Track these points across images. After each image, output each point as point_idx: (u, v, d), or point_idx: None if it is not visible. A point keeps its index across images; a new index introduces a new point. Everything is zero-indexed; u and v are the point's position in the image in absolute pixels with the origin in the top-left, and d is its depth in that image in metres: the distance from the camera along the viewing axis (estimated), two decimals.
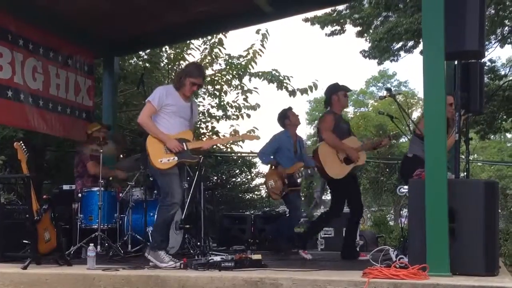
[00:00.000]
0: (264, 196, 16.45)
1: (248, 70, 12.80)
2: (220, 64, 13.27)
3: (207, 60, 12.99)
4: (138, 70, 12.13)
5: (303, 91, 12.34)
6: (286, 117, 8.85)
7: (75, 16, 8.78)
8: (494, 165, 27.43)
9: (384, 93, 7.90)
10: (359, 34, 16.90)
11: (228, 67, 13.12)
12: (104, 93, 10.19)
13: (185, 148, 6.46)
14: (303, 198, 12.71)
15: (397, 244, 9.00)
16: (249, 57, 12.78)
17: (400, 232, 8.17)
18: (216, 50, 12.97)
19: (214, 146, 13.10)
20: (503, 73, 16.77)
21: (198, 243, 7.86)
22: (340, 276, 4.89)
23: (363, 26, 16.63)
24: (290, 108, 8.99)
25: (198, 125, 12.44)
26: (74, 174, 8.53)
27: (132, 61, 12.93)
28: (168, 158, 6.37)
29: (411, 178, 5.67)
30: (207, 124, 13.31)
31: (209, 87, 12.99)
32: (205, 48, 13.02)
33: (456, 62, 5.89)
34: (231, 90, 13.27)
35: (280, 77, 12.51)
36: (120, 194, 8.16)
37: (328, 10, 16.27)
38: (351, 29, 17.14)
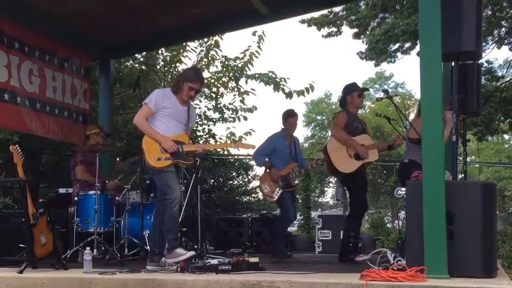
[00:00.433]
0: (261, 198, 16.43)
1: (245, 72, 12.80)
2: (216, 66, 13.28)
3: (203, 62, 12.99)
4: (134, 73, 12.11)
5: (300, 93, 12.34)
6: (286, 120, 8.90)
7: (70, 19, 8.76)
8: (492, 167, 27.41)
9: (381, 94, 7.90)
10: (356, 36, 16.91)
11: (224, 69, 13.10)
12: (100, 96, 10.16)
13: (181, 150, 6.48)
14: (300, 201, 12.65)
15: (394, 246, 8.98)
16: (245, 59, 12.78)
17: (398, 234, 8.16)
18: (212, 52, 12.97)
19: (211, 150, 13.11)
20: (500, 74, 16.76)
21: (195, 246, 7.83)
22: (338, 278, 4.87)
23: (360, 28, 16.64)
24: (292, 113, 8.98)
25: (194, 128, 12.42)
26: (71, 177, 8.51)
27: (128, 64, 12.90)
28: (163, 157, 6.39)
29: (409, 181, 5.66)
30: (203, 126, 13.30)
31: (206, 89, 12.96)
32: (202, 50, 13.03)
33: (453, 63, 5.88)
34: (227, 92, 13.26)
35: (277, 79, 12.52)
36: (117, 198, 8.15)
37: (324, 11, 16.28)
38: (348, 31, 17.22)
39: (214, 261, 5.82)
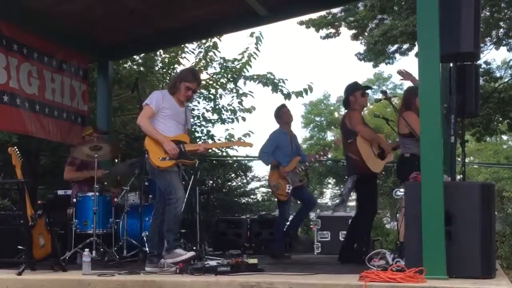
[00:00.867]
0: (260, 200, 16.45)
1: (243, 73, 12.81)
2: (214, 68, 13.28)
3: (201, 64, 12.99)
4: (132, 74, 12.12)
5: (298, 94, 12.34)
6: (278, 116, 8.93)
7: (69, 21, 8.75)
8: (490, 167, 27.42)
9: (379, 96, 7.89)
10: (354, 37, 16.92)
11: (223, 70, 13.11)
12: (99, 97, 10.16)
13: (183, 150, 6.50)
14: (299, 201, 12.63)
15: (393, 247, 8.98)
16: (243, 60, 12.78)
17: (397, 235, 8.15)
18: (210, 53, 12.98)
19: (210, 150, 13.12)
20: (498, 75, 16.77)
21: (194, 248, 7.82)
22: (337, 280, 4.88)
23: (358, 29, 16.66)
24: (283, 106, 9.10)
25: (193, 129, 12.42)
26: None
27: (127, 65, 12.91)
28: (167, 157, 6.42)
29: (407, 181, 5.66)
30: (202, 128, 13.30)
31: (204, 91, 12.97)
32: (200, 52, 13.04)
33: (451, 64, 5.89)
34: (226, 93, 13.27)
35: (275, 80, 12.54)
36: (115, 199, 8.15)
37: (323, 13, 16.29)
38: (346, 32, 17.18)
39: (213, 263, 5.83)
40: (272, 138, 8.83)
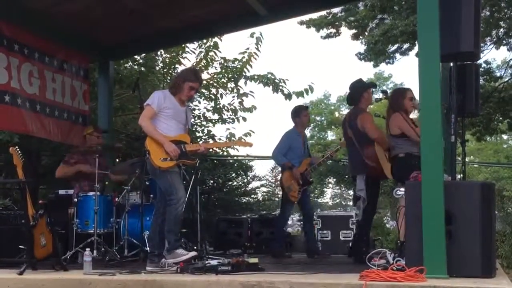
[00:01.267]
0: (260, 199, 16.46)
1: (244, 73, 12.80)
2: (215, 68, 13.28)
3: (202, 64, 12.99)
4: (133, 74, 12.11)
5: (299, 94, 12.34)
6: (298, 117, 8.97)
7: (70, 21, 8.75)
8: (491, 167, 27.47)
9: (380, 95, 7.90)
10: (355, 37, 16.93)
11: (223, 70, 13.11)
12: (100, 97, 10.15)
13: (184, 150, 6.51)
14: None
15: (394, 246, 8.98)
16: (244, 60, 12.78)
17: (397, 234, 8.17)
18: (211, 53, 12.97)
19: (210, 150, 13.13)
20: (498, 74, 16.79)
21: (195, 247, 7.83)
22: (337, 279, 4.89)
23: (358, 29, 16.68)
24: (305, 108, 9.25)
25: (194, 129, 12.42)
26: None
27: (128, 65, 12.90)
28: (168, 157, 6.43)
29: (408, 180, 5.66)
30: (203, 127, 13.30)
31: (204, 90, 12.97)
32: (201, 52, 13.02)
33: (451, 64, 5.90)
34: (226, 93, 13.27)
35: (276, 80, 12.53)
36: (116, 199, 8.15)
37: (323, 13, 16.30)
38: (346, 32, 17.21)
39: (214, 262, 5.84)
40: (285, 139, 8.87)
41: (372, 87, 8.04)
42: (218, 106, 13.24)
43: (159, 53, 13.03)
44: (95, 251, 7.16)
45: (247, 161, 15.60)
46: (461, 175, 6.47)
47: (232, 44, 13.49)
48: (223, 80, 13.15)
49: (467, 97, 5.92)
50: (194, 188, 8.00)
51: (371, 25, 16.52)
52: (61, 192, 8.39)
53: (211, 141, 12.92)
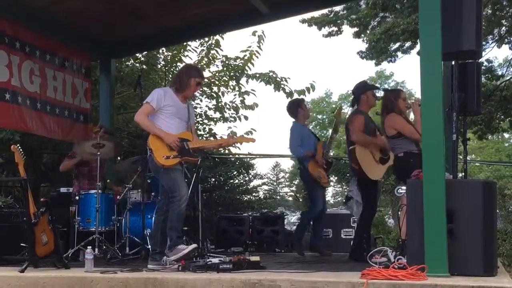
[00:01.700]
0: (262, 197, 16.45)
1: (245, 72, 12.80)
2: (217, 66, 13.28)
3: (204, 62, 12.99)
4: (135, 72, 12.11)
5: (301, 92, 12.34)
6: (299, 106, 8.97)
7: (71, 19, 8.76)
8: (492, 165, 27.37)
9: (381, 94, 7.89)
10: (356, 35, 16.90)
11: (225, 68, 13.11)
12: (101, 95, 10.16)
13: (186, 147, 6.50)
14: (301, 200, 12.68)
15: (395, 245, 8.99)
16: (246, 58, 12.78)
17: (398, 233, 8.17)
18: (213, 51, 12.97)
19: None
20: (500, 73, 16.77)
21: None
22: (339, 277, 4.88)
23: (360, 27, 16.63)
24: (303, 100, 9.34)
25: (195, 127, 12.41)
26: (72, 176, 8.55)
27: (129, 63, 12.91)
28: (171, 155, 6.42)
29: (409, 178, 5.66)
30: (204, 126, 13.30)
31: (206, 89, 12.97)
32: (202, 50, 13.03)
33: (453, 62, 5.89)
34: (228, 92, 13.27)
35: (278, 79, 12.54)
36: (118, 197, 8.16)
37: (325, 11, 16.28)
38: (348, 30, 17.17)
39: (215, 260, 5.82)
40: (295, 132, 8.83)
41: (372, 89, 7.97)
42: (219, 105, 13.24)
43: (160, 51, 13.03)
44: (96, 249, 7.17)
45: (248, 159, 15.59)
46: (463, 173, 6.48)
47: (233, 42, 13.51)
48: (224, 78, 13.14)
49: (468, 95, 5.93)
50: (196, 186, 8.01)
51: (372, 24, 16.49)
52: (63, 190, 8.40)
53: (212, 139, 12.91)
